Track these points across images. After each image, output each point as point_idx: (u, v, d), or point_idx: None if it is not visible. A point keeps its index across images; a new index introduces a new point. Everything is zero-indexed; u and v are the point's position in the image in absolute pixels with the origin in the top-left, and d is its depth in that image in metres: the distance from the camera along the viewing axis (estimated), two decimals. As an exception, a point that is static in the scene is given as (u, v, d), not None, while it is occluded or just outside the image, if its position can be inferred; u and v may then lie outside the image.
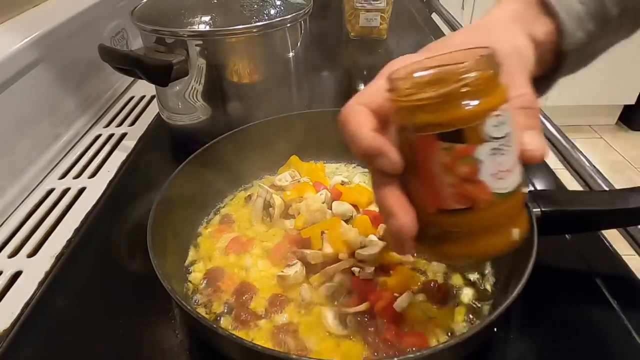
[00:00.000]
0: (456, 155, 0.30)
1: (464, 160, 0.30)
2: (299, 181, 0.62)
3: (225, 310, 0.47)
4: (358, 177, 0.66)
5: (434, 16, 1.43)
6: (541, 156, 0.33)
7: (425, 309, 0.46)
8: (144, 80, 0.68)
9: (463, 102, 0.29)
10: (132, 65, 0.66)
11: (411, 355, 0.35)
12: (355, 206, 0.57)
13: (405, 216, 0.32)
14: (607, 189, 0.62)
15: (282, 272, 0.50)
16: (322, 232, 0.53)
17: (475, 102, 0.29)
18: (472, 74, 0.29)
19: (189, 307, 0.39)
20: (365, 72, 1.10)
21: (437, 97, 0.29)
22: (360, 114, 0.34)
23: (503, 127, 0.30)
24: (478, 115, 0.29)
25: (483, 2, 2.45)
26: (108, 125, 0.87)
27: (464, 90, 0.29)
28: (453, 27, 1.29)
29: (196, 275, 0.52)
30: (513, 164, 0.31)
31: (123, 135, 0.83)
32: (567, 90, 2.43)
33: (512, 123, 0.31)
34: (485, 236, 0.32)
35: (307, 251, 0.51)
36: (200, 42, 0.67)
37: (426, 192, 0.32)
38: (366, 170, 0.68)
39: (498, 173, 0.30)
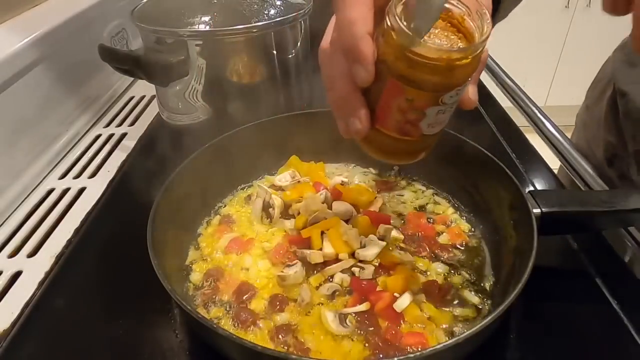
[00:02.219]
0: (412, 107, 0.35)
1: (415, 112, 0.35)
2: (299, 181, 0.62)
3: (226, 310, 0.47)
4: (358, 177, 0.66)
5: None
6: (475, 104, 0.38)
7: (425, 309, 0.46)
8: (144, 80, 0.69)
9: (443, 74, 0.33)
10: (132, 65, 0.66)
11: (411, 355, 0.35)
12: (355, 206, 0.57)
13: (365, 115, 0.36)
14: (607, 188, 0.62)
15: (282, 272, 0.50)
16: (322, 232, 0.53)
17: (451, 77, 0.33)
18: (460, 56, 0.32)
19: (189, 307, 0.39)
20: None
21: (426, 64, 0.32)
22: (365, 4, 0.33)
23: (456, 97, 0.35)
24: (446, 88, 0.34)
25: None
26: (108, 125, 0.87)
27: (449, 64, 0.32)
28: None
29: (196, 275, 0.52)
30: (447, 119, 0.37)
31: (123, 135, 0.83)
32: (567, 90, 2.42)
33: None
34: (403, 155, 0.41)
35: (307, 251, 0.51)
36: (200, 42, 0.67)
37: (377, 111, 0.37)
38: (366, 170, 0.68)
39: (434, 124, 0.37)
